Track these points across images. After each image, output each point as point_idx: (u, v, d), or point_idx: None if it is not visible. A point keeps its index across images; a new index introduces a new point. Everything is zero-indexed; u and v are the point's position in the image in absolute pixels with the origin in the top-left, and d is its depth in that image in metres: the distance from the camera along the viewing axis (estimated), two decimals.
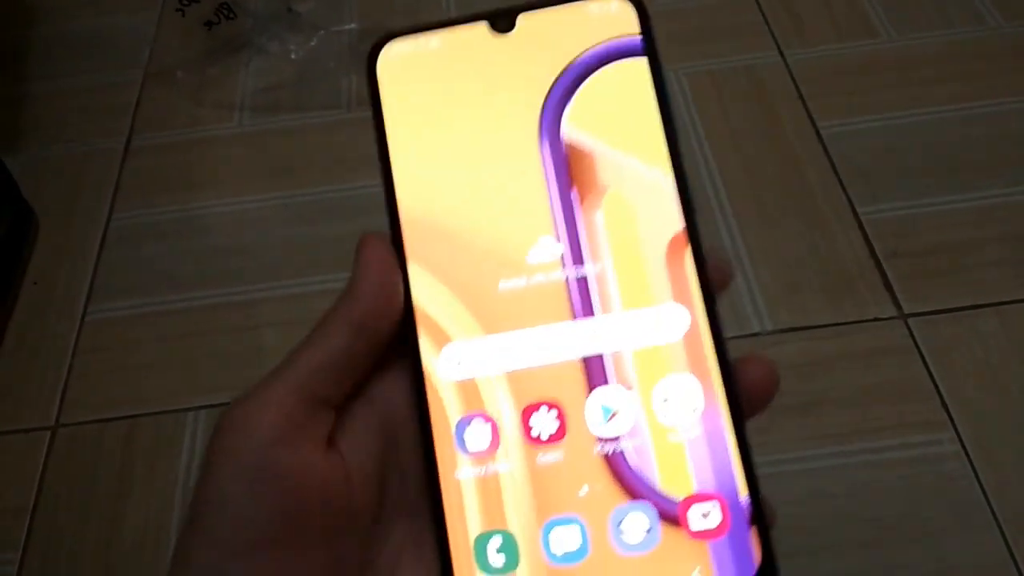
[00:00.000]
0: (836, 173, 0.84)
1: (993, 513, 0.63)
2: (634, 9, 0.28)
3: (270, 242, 0.81)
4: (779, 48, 0.95)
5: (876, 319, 0.74)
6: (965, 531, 0.63)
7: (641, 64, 0.27)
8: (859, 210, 0.81)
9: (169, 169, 0.91)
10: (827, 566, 0.62)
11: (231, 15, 0.98)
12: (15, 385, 0.76)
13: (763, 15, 0.98)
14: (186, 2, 0.97)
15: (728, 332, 0.75)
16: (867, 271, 0.76)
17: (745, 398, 0.26)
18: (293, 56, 0.98)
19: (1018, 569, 0.61)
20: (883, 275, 0.76)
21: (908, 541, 0.63)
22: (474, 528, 0.25)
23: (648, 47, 0.27)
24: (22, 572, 0.66)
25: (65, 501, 0.69)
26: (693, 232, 0.26)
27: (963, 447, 0.66)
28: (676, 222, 0.26)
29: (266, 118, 0.94)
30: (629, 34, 0.27)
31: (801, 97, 0.90)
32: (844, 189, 0.82)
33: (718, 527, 0.25)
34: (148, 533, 0.66)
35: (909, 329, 0.73)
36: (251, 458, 0.23)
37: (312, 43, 0.98)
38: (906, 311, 0.74)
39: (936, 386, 0.69)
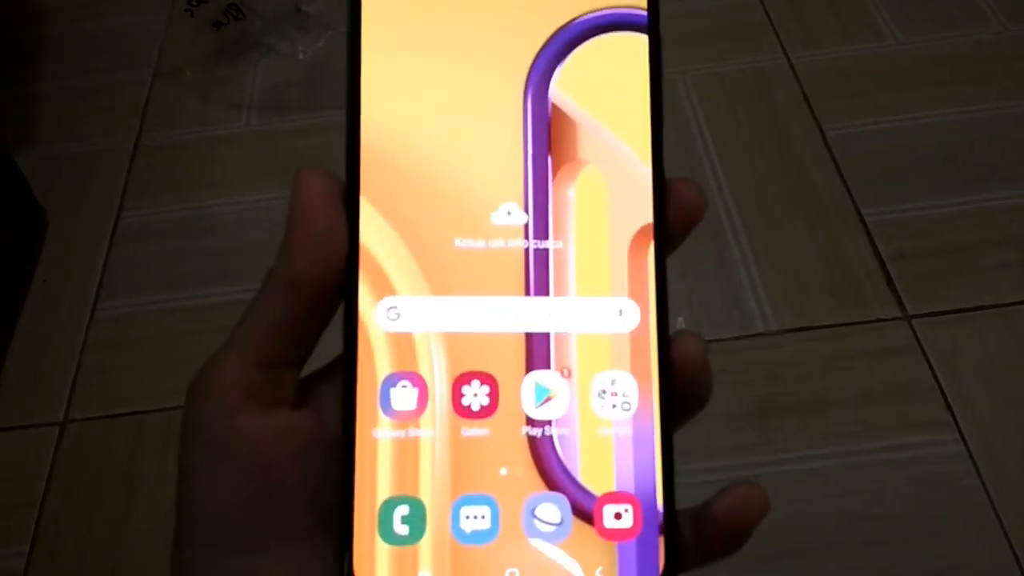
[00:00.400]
0: (841, 175, 0.84)
1: (996, 513, 0.63)
2: None
3: (278, 240, 0.81)
4: (785, 50, 0.95)
5: (880, 320, 0.74)
6: (968, 531, 0.63)
7: (642, 41, 0.26)
8: (864, 211, 0.81)
9: (178, 168, 0.92)
10: (830, 565, 0.63)
11: (240, 15, 0.98)
12: (24, 381, 0.76)
13: (769, 17, 0.99)
14: (195, 2, 0.98)
15: (733, 332, 0.76)
16: (872, 272, 0.77)
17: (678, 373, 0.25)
18: (301, 56, 0.98)
19: (1021, 569, 0.61)
20: (887, 276, 0.76)
21: (911, 541, 0.63)
22: (383, 491, 0.24)
23: (652, 24, 0.26)
24: (30, 566, 0.66)
25: (74, 496, 0.69)
26: (660, 231, 0.25)
27: (966, 447, 0.66)
28: (646, 214, 0.25)
29: (274, 117, 0.95)
30: (635, 6, 0.26)
31: (806, 99, 0.91)
32: (849, 190, 0.82)
33: (629, 529, 0.24)
34: (156, 528, 0.66)
35: (913, 330, 0.73)
36: (210, 430, 0.23)
37: (320, 43, 0.99)
38: (910, 312, 0.74)
39: (940, 387, 0.69)
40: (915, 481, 0.65)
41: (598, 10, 0.26)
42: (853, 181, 0.83)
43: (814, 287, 0.76)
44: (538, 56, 0.26)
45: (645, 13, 0.26)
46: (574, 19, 0.26)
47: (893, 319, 0.74)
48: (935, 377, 0.70)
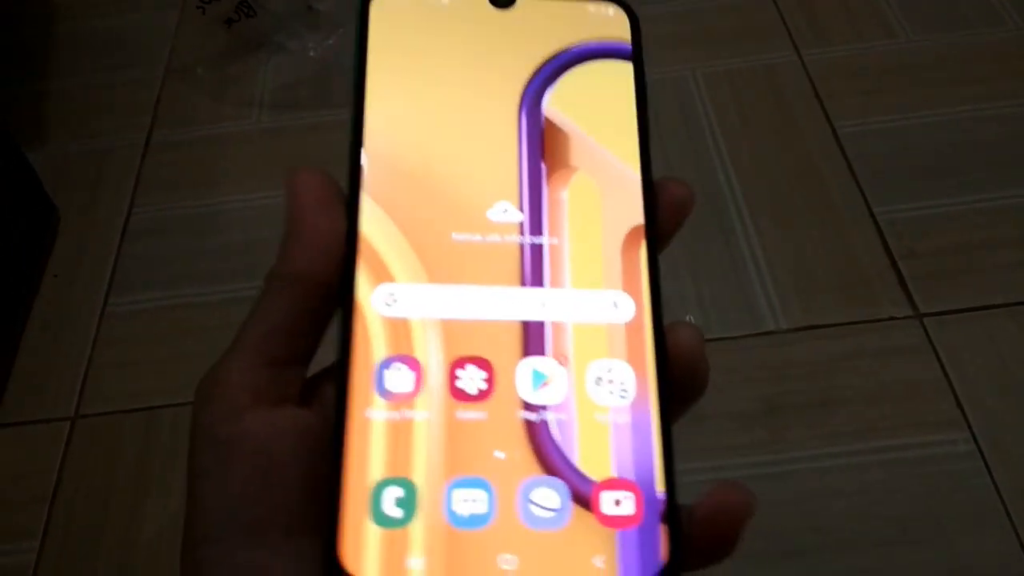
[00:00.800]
0: (852, 173, 0.84)
1: (1007, 513, 0.63)
2: (628, 18, 0.29)
3: None
4: (796, 48, 0.95)
5: (892, 318, 0.74)
6: (979, 530, 0.63)
7: (627, 68, 0.28)
8: (875, 210, 0.81)
9: (189, 165, 0.92)
10: (840, 564, 0.62)
11: (251, 13, 0.99)
12: (36, 376, 0.77)
13: (780, 15, 0.98)
14: (206, 0, 0.98)
15: (743, 330, 0.76)
16: (883, 271, 0.76)
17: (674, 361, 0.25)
18: (312, 54, 0.99)
19: None
20: (899, 275, 0.76)
21: (921, 540, 0.63)
22: (375, 472, 0.23)
23: (636, 54, 0.29)
24: (40, 560, 0.66)
25: (84, 491, 0.70)
26: (651, 231, 0.26)
27: (977, 447, 0.66)
28: (637, 215, 0.27)
29: (285, 115, 0.95)
30: (621, 39, 0.29)
31: (818, 97, 0.90)
32: (860, 189, 0.82)
33: (629, 517, 0.24)
34: (166, 523, 0.67)
35: (924, 329, 0.73)
36: (216, 430, 0.24)
37: (331, 41, 0.99)
38: (921, 311, 0.74)
39: (951, 385, 0.69)
40: (925, 480, 0.65)
41: (586, 40, 0.28)
42: (864, 179, 0.83)
43: (824, 285, 0.76)
44: (533, 76, 0.28)
45: (630, 46, 0.29)
46: (565, 48, 0.28)
47: (904, 318, 0.73)
48: (946, 376, 0.70)
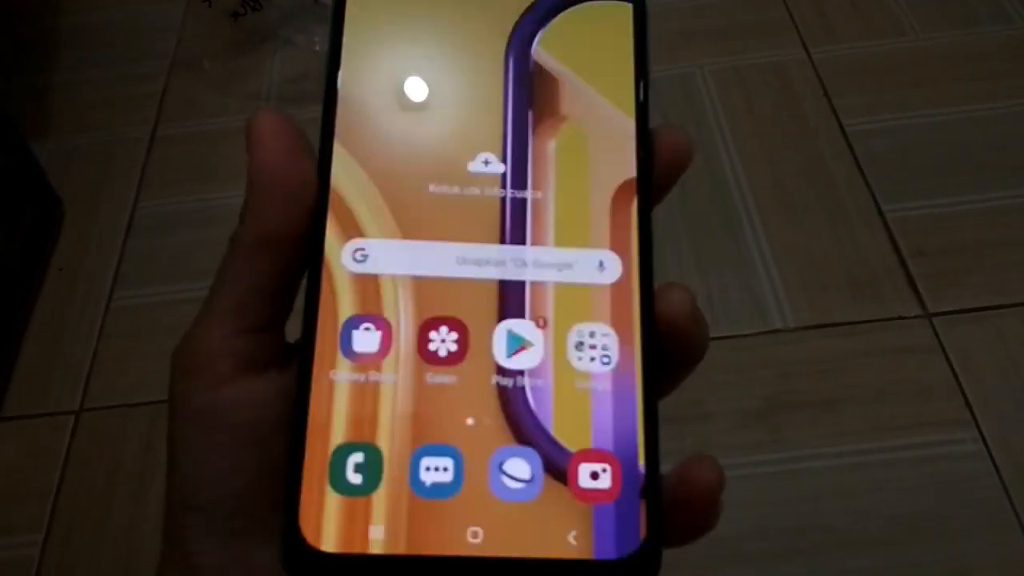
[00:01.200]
0: (861, 171, 0.83)
1: (1015, 513, 0.63)
2: None
3: None
4: (805, 45, 0.95)
5: (900, 317, 0.73)
6: (986, 530, 0.62)
7: (626, 9, 0.26)
8: (884, 208, 0.80)
9: (194, 159, 0.92)
10: (846, 563, 0.62)
11: (257, 6, 0.98)
12: (40, 370, 0.76)
13: (789, 12, 0.98)
14: None
15: (750, 328, 0.75)
16: (891, 269, 0.76)
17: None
18: (318, 48, 0.98)
19: None
20: (907, 273, 0.76)
21: (928, 540, 0.62)
22: (337, 437, 0.22)
23: None
24: (44, 555, 0.66)
25: (88, 485, 0.69)
26: (644, 186, 0.25)
27: (986, 446, 0.66)
28: (630, 169, 0.25)
29: (292, 109, 0.95)
30: None
31: (827, 94, 0.90)
32: (869, 187, 0.82)
33: (607, 491, 0.22)
34: None
35: (933, 328, 0.72)
36: (198, 401, 0.23)
37: None
38: (930, 310, 0.73)
39: (959, 385, 0.69)
40: (933, 480, 0.65)
41: None
42: (873, 177, 0.82)
43: (833, 283, 0.76)
44: (523, 17, 0.26)
45: None
46: None
47: (913, 317, 0.73)
48: (955, 375, 0.69)
